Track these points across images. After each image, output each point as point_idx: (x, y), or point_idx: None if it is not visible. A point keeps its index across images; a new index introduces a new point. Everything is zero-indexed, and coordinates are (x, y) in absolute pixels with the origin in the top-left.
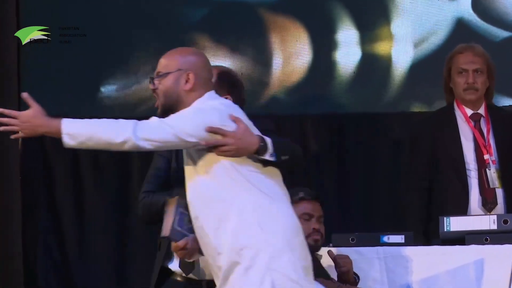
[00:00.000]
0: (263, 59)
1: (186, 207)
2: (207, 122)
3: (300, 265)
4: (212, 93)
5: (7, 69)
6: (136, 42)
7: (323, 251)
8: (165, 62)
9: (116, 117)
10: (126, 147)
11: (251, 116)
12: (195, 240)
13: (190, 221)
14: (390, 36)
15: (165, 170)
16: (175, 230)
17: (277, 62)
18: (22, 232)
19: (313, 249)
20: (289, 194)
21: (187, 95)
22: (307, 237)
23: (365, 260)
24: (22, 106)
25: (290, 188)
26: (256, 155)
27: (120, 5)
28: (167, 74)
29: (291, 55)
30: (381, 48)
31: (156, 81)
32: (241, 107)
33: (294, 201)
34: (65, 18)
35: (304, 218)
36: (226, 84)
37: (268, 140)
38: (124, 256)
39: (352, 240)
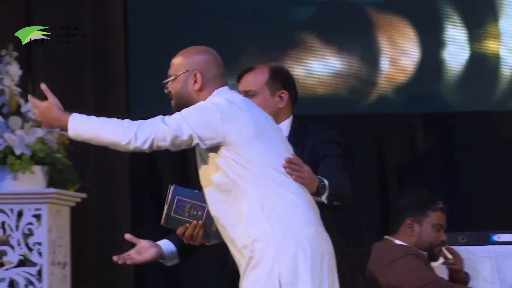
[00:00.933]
0: (371, 58)
1: (185, 194)
2: (207, 119)
3: (308, 256)
4: (221, 89)
5: (112, 64)
6: (244, 41)
7: None
8: (175, 65)
9: None
10: (131, 148)
11: (357, 116)
12: (196, 225)
13: (192, 208)
14: (498, 34)
15: None
16: (172, 218)
17: (385, 61)
18: (131, 234)
19: (436, 259)
20: (426, 198)
21: (197, 95)
22: (436, 246)
23: (476, 259)
24: (130, 110)
25: (420, 189)
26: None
27: (229, 4)
28: (176, 76)
29: (399, 54)
30: (489, 46)
31: (169, 85)
32: (295, 102)
33: (433, 209)
34: (171, 17)
35: (437, 228)
36: (280, 80)
37: (326, 183)
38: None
39: (462, 239)
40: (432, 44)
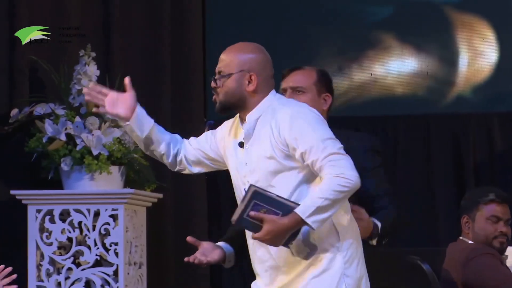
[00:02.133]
0: (449, 58)
1: (263, 199)
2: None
3: (365, 274)
4: (275, 92)
5: (191, 69)
6: (320, 40)
7: (509, 251)
8: (226, 61)
9: None
10: (357, 187)
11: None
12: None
13: (266, 213)
14: None
15: None
16: (244, 220)
17: (463, 60)
18: (208, 234)
19: (499, 251)
20: (478, 193)
21: (250, 96)
22: (493, 239)
23: None
24: (207, 111)
25: (478, 187)
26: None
27: (305, 3)
28: (229, 75)
29: (477, 53)
30: None
31: (218, 81)
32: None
33: (483, 202)
34: (252, 15)
35: (492, 220)
36: (327, 83)
37: (379, 226)
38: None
39: None
40: (510, 43)
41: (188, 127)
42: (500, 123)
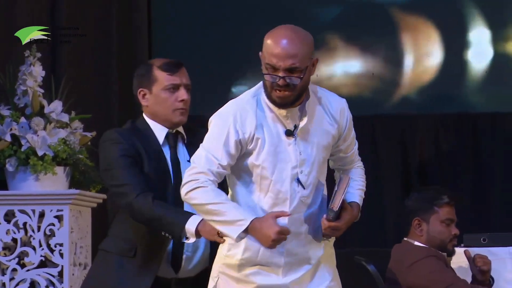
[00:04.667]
0: (394, 59)
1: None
2: None
3: None
4: None
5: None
6: None
7: (457, 251)
8: (299, 55)
9: None
10: None
11: (381, 117)
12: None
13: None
14: None
15: None
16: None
17: (409, 62)
18: None
19: (451, 254)
20: (431, 195)
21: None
22: (448, 242)
23: (497, 260)
24: None
25: (426, 189)
26: None
27: (250, 4)
28: (306, 68)
29: (422, 55)
30: None
31: (295, 79)
32: None
33: (438, 204)
34: (200, 15)
35: (446, 223)
36: None
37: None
38: None
39: (484, 240)
40: (455, 45)
41: None
42: (445, 124)
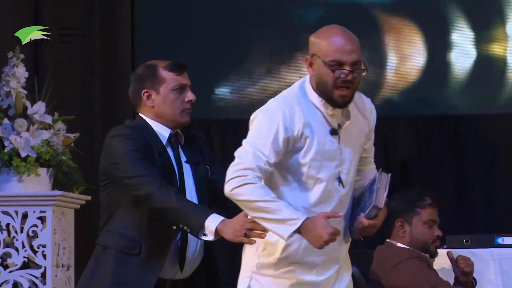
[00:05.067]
0: (378, 60)
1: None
2: None
3: None
4: None
5: (121, 69)
6: (250, 44)
7: (440, 252)
8: (358, 51)
9: (230, 120)
10: None
11: None
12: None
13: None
14: (505, 37)
15: None
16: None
17: (392, 63)
18: None
19: (433, 255)
20: (413, 197)
21: None
22: (430, 243)
23: (480, 262)
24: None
25: (408, 190)
26: None
27: (235, 6)
28: (364, 63)
29: (405, 57)
30: (496, 48)
31: (361, 71)
32: None
33: (421, 206)
34: (182, 17)
35: (429, 224)
36: None
37: None
38: None
39: (467, 241)
40: (439, 46)
41: None
42: (428, 126)
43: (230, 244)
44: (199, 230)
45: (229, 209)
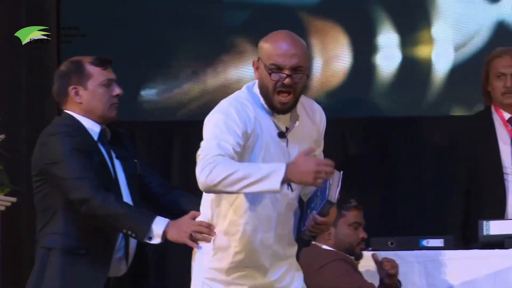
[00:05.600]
0: None
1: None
2: None
3: None
4: None
5: (46, 69)
6: (176, 45)
7: (365, 254)
8: (301, 55)
9: (156, 122)
10: None
11: None
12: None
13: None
14: (430, 40)
15: None
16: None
17: (317, 65)
18: None
19: (359, 257)
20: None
21: None
22: (355, 245)
23: (405, 264)
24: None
25: None
26: None
27: (161, 8)
28: (307, 69)
29: (331, 59)
30: (421, 51)
31: (301, 76)
32: None
33: (346, 208)
34: (107, 18)
35: (354, 226)
36: None
37: None
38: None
39: (391, 244)
40: (364, 49)
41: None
42: (354, 128)
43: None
44: (145, 234)
45: (159, 204)
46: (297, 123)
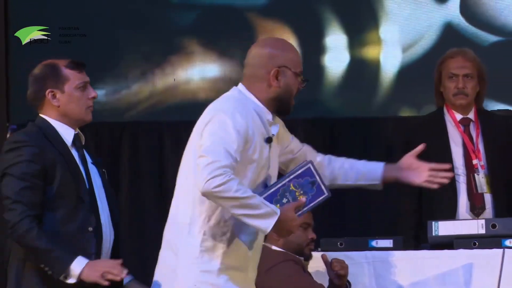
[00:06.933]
0: None
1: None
2: None
3: None
4: None
5: None
6: (125, 46)
7: (315, 255)
8: None
9: (105, 123)
10: None
11: None
12: None
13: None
14: (378, 41)
15: None
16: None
17: None
18: None
19: (308, 258)
20: None
21: None
22: (304, 246)
23: (354, 265)
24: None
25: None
26: None
27: (108, 8)
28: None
29: None
30: (369, 52)
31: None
32: None
33: None
34: (58, 18)
35: (303, 227)
36: None
37: None
38: None
39: (341, 244)
40: (312, 50)
41: None
42: (303, 129)
43: None
44: (62, 273)
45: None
46: (279, 127)
